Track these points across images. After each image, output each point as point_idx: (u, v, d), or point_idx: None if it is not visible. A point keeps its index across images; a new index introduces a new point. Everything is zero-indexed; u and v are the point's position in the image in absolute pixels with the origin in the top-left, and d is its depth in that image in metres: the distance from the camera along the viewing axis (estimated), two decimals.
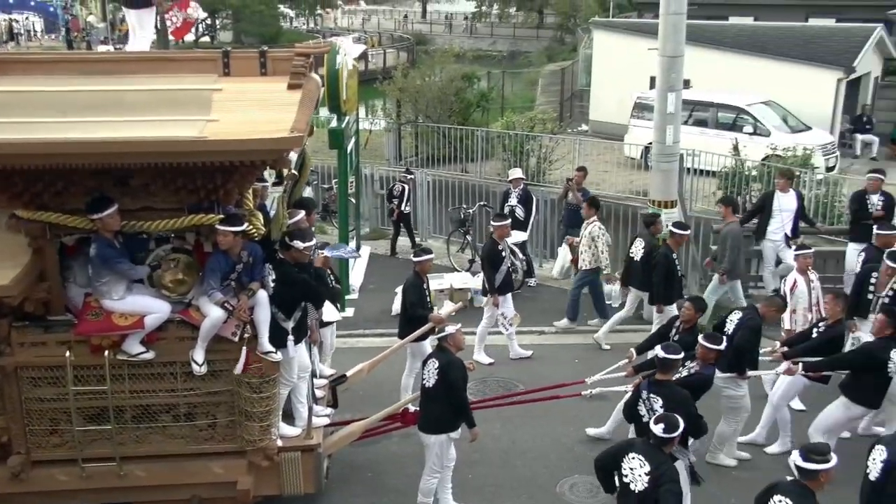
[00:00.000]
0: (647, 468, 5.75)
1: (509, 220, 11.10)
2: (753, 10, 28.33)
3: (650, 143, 12.50)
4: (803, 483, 5.36)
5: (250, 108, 6.19)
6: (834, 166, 18.22)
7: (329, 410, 7.87)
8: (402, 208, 14.85)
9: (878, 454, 5.77)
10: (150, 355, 6.43)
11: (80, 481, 6.59)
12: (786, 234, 11.44)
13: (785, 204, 11.42)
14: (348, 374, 8.44)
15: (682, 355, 6.91)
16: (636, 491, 5.77)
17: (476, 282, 12.88)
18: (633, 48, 21.87)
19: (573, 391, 8.62)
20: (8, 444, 6.49)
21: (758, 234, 11.72)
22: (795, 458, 5.45)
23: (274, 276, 6.76)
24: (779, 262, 11.64)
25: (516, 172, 13.78)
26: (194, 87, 6.41)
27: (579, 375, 9.04)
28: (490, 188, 15.86)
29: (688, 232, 10.47)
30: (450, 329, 7.34)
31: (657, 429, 5.82)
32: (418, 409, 7.59)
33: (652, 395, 6.72)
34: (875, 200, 11.17)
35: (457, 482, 7.70)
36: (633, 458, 5.84)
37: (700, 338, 7.51)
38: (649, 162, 12.78)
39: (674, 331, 8.29)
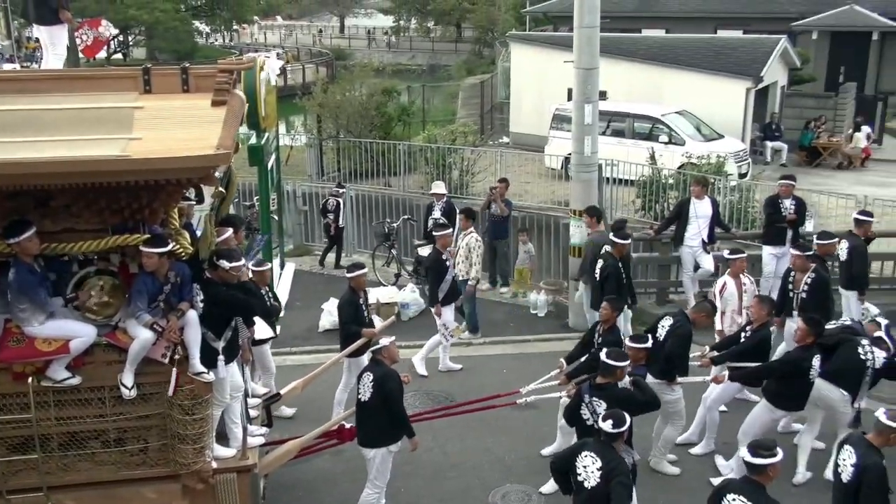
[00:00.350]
0: (599, 464, 5.96)
1: (451, 230, 11.11)
2: (665, 22, 29.14)
3: (570, 154, 12.68)
4: (753, 479, 5.53)
5: (173, 126, 6.06)
6: (746, 173, 18.78)
7: (264, 430, 7.76)
8: (338, 223, 14.84)
9: (848, 455, 5.90)
10: (76, 381, 6.21)
11: None
12: (703, 240, 11.75)
13: (700, 210, 11.73)
14: (282, 392, 8.32)
15: (626, 363, 7.02)
16: (589, 487, 5.97)
17: (402, 296, 12.86)
18: (549, 61, 22.21)
19: (508, 401, 8.63)
20: None
21: (675, 241, 12.01)
22: (744, 454, 5.62)
23: (202, 296, 6.64)
24: (697, 267, 11.93)
25: (439, 186, 13.83)
26: (115, 104, 6.25)
27: (508, 385, 9.10)
28: (413, 201, 15.87)
29: (628, 241, 10.49)
30: (384, 342, 7.33)
31: (606, 425, 6.03)
32: (355, 424, 7.51)
33: (594, 399, 6.84)
34: (787, 205, 11.57)
35: (389, 495, 7.66)
36: (586, 456, 6.06)
37: (627, 341, 7.69)
38: (569, 172, 12.95)
39: (596, 334, 8.42)
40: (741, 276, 9.72)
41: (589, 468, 6.01)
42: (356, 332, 8.71)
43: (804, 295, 9.28)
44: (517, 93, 24.42)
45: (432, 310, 10.80)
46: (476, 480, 8.31)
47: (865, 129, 22.28)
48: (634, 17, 29.58)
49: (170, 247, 6.19)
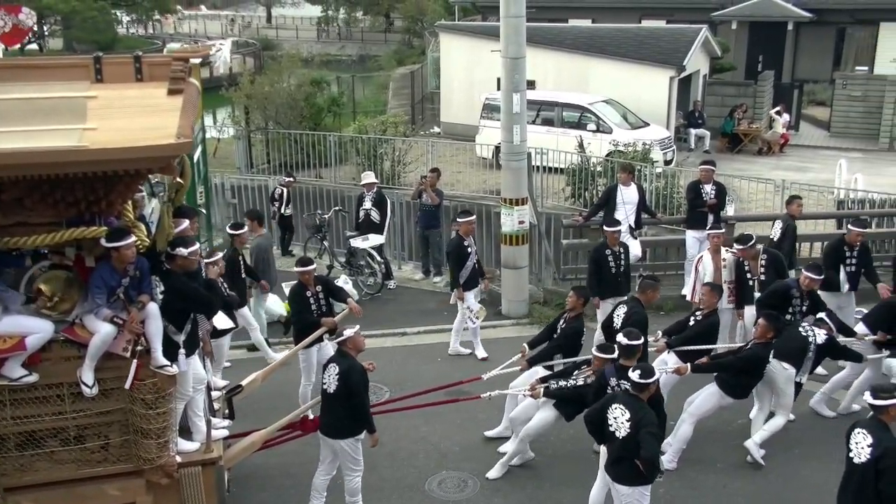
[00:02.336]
0: (628, 415, 6.37)
1: (474, 216, 11.10)
2: (591, 12, 29.49)
3: (500, 143, 12.81)
4: (878, 418, 6.06)
5: (129, 115, 5.96)
6: (671, 160, 19.22)
7: (227, 422, 7.73)
8: (283, 211, 14.78)
9: (863, 438, 6.06)
10: (33, 378, 6.07)
11: None
12: (630, 226, 12.01)
13: (627, 196, 11.99)
14: (243, 383, 8.32)
15: (642, 341, 7.24)
16: (620, 437, 6.38)
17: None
18: (478, 50, 22.32)
19: (472, 394, 8.72)
20: None
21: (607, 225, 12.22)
22: (867, 397, 6.15)
23: (162, 288, 6.57)
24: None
25: (369, 176, 13.85)
26: (67, 94, 6.09)
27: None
28: (345, 193, 15.83)
29: (617, 228, 10.51)
30: (348, 332, 7.32)
31: (634, 375, 6.44)
32: (319, 415, 7.52)
33: (622, 381, 7.00)
34: (708, 190, 11.92)
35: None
36: (616, 408, 6.47)
37: (594, 349, 7.76)
38: (500, 161, 13.09)
39: (562, 321, 8.59)
40: (719, 251, 10.03)
41: (619, 419, 6.41)
42: (312, 322, 8.74)
43: (762, 276, 9.67)
44: (447, 83, 24.49)
45: (454, 294, 10.93)
46: (412, 469, 8.38)
47: (784, 116, 23.02)
48: (561, 7, 29.93)
49: (133, 239, 6.09)
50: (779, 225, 10.81)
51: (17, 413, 6.10)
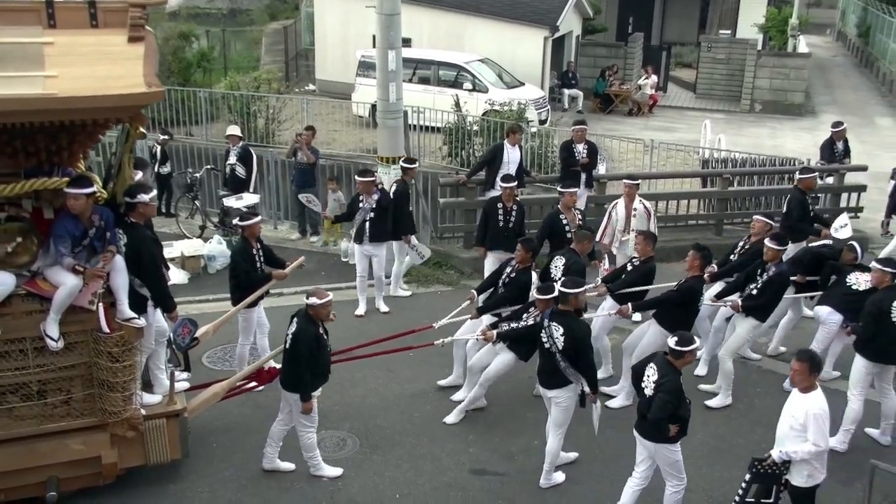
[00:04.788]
0: (656, 377, 6.62)
1: (516, 182, 10.75)
2: None
3: (376, 101, 12.68)
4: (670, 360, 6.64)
5: (90, 63, 5.71)
6: (546, 119, 19.55)
7: (186, 374, 7.66)
8: (159, 170, 14.17)
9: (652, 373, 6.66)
10: None
11: None
12: None
13: (513, 157, 12.12)
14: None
15: (582, 289, 7.39)
16: (647, 395, 6.68)
17: (208, 248, 12.50)
18: (353, 7, 21.93)
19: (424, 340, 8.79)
20: None
21: (486, 185, 12.33)
22: (670, 342, 6.67)
23: (126, 241, 6.43)
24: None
25: (233, 129, 13.48)
26: (21, 39, 5.75)
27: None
28: (217, 151, 15.31)
29: (512, 185, 10.50)
30: (316, 300, 7.12)
31: (671, 341, 6.67)
32: (280, 366, 7.48)
33: (553, 323, 7.27)
34: (580, 149, 12.18)
35: (201, 455, 7.53)
36: (650, 367, 6.75)
37: (535, 291, 7.98)
38: (377, 119, 12.97)
39: (509, 269, 8.73)
40: (633, 199, 10.50)
41: (650, 378, 6.68)
42: (259, 279, 8.53)
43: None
44: (322, 39, 24.00)
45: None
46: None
47: (652, 77, 23.74)
48: None
49: (94, 188, 5.95)
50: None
51: None
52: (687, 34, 30.00)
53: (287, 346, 7.26)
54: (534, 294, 8.07)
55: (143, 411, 6.57)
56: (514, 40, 21.41)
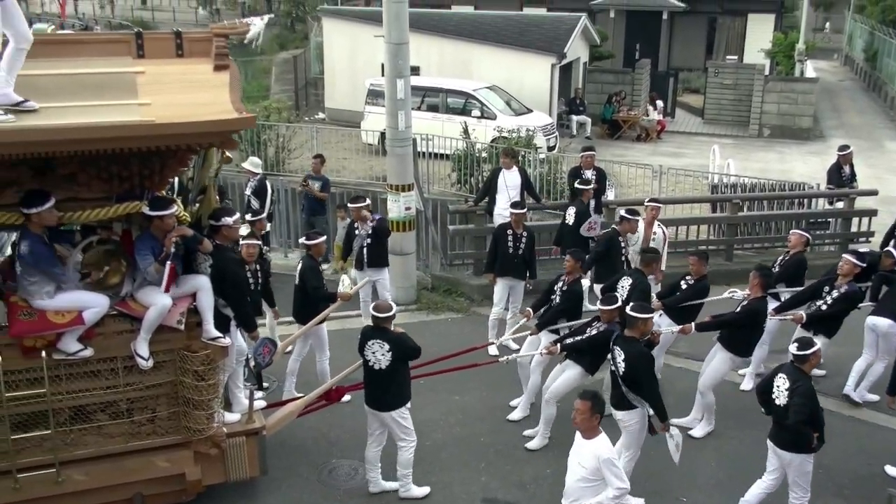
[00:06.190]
0: (788, 384, 6.75)
1: (367, 202, 10.74)
2: None
3: (385, 129, 12.75)
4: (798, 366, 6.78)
5: (178, 91, 5.92)
6: (554, 146, 19.60)
7: (261, 393, 7.79)
8: None
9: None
10: (88, 352, 6.04)
11: (13, 493, 6.01)
12: None
13: (510, 181, 12.13)
14: None
15: (651, 315, 7.43)
16: (780, 405, 6.76)
17: None
18: (362, 36, 22.18)
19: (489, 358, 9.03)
20: None
21: (488, 212, 12.38)
22: (791, 348, 6.85)
23: (211, 262, 6.60)
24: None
25: (249, 163, 13.32)
26: (116, 69, 5.98)
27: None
28: (228, 180, 15.39)
29: (522, 211, 10.49)
30: (387, 313, 7.31)
31: (793, 347, 6.86)
32: (364, 389, 7.51)
33: (616, 347, 7.29)
34: (589, 175, 12.19)
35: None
36: (780, 377, 6.86)
37: (599, 303, 8.15)
38: (386, 147, 13.03)
39: (561, 283, 8.81)
40: (653, 223, 10.55)
41: (780, 387, 6.79)
42: (328, 296, 8.76)
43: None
44: (331, 68, 24.22)
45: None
46: (302, 458, 8.27)
47: (659, 103, 23.83)
48: None
49: (175, 209, 6.15)
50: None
51: (72, 387, 6.11)
52: (694, 60, 30.13)
53: (385, 365, 7.23)
54: (589, 305, 8.13)
55: (224, 429, 6.71)
56: (521, 67, 21.54)
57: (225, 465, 6.78)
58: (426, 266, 13.34)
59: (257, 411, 7.21)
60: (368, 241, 10.55)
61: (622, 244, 10.18)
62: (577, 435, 6.08)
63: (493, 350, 9.72)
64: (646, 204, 10.84)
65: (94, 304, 6.07)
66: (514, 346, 9.82)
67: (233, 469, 6.83)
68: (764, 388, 7.03)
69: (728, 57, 28.92)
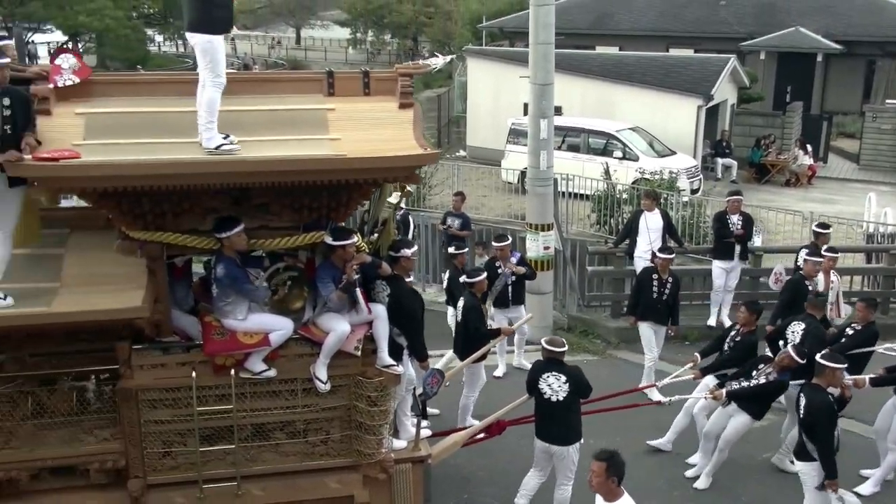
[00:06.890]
0: None
1: (509, 241, 10.84)
2: (618, 40, 29.65)
3: (526, 168, 12.84)
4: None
5: (365, 127, 6.28)
6: (698, 189, 19.17)
7: (426, 422, 7.94)
8: None
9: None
10: (272, 373, 6.42)
11: (197, 503, 6.45)
12: (653, 252, 11.93)
13: (652, 223, 11.93)
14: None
15: (842, 366, 7.29)
16: None
17: None
18: (506, 76, 22.47)
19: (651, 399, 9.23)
20: (125, 468, 6.33)
21: (629, 254, 12.21)
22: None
23: (388, 292, 6.94)
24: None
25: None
26: (309, 106, 6.43)
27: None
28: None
29: (670, 256, 10.51)
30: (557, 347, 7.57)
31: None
32: (536, 423, 7.69)
33: (801, 394, 7.19)
34: (735, 220, 11.86)
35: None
36: None
37: (790, 348, 8.03)
38: (526, 186, 13.11)
39: (734, 332, 8.84)
40: (830, 272, 10.28)
41: None
42: (486, 334, 8.97)
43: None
44: (474, 107, 24.62)
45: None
46: (434, 492, 8.32)
47: (808, 147, 22.88)
48: (588, 34, 30.04)
49: (355, 240, 6.48)
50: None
51: (255, 405, 6.44)
52: (850, 103, 28.82)
53: (563, 397, 7.38)
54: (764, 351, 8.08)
55: (392, 455, 6.86)
56: (666, 109, 21.23)
57: (391, 490, 6.87)
58: (563, 306, 13.25)
59: (423, 440, 7.31)
60: (512, 278, 10.62)
61: (654, 282, 10.09)
62: (598, 499, 5.66)
63: (655, 396, 9.55)
64: (826, 255, 10.44)
65: (281, 326, 6.35)
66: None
67: (398, 495, 6.92)
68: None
69: (888, 101, 27.47)
